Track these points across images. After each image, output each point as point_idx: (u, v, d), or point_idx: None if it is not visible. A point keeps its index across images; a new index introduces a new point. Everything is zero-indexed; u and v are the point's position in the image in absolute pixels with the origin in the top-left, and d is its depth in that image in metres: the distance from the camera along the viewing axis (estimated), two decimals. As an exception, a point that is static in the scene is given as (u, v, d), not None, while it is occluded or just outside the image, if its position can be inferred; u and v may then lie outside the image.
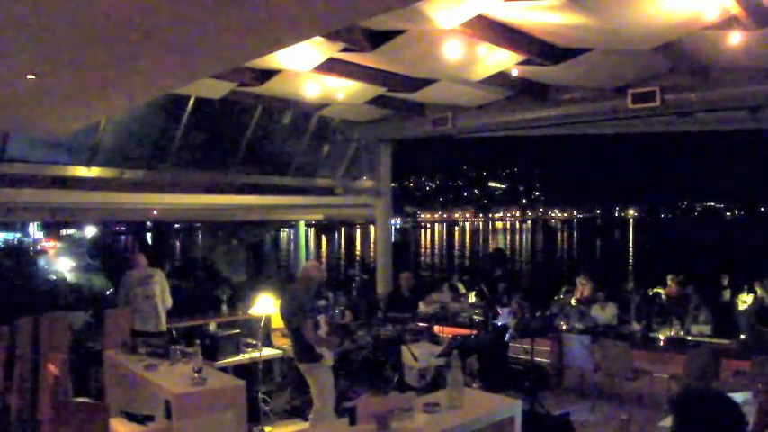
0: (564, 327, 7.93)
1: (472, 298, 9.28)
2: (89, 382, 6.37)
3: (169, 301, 7.10)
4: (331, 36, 5.47)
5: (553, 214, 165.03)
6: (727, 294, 9.54)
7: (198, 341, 5.33)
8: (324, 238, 57.23)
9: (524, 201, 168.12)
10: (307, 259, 15.76)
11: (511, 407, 3.97)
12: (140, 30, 3.19)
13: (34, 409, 5.09)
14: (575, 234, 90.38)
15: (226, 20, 3.13)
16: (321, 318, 5.66)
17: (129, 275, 7.01)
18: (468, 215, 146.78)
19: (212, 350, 5.94)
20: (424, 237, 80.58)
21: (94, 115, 6.13)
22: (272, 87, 7.13)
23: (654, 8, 4.81)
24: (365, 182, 10.31)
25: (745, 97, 6.40)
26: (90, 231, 41.01)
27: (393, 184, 10.80)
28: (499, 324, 7.05)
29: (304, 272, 5.71)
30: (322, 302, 6.28)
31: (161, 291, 6.98)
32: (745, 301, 9.01)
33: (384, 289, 9.72)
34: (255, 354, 6.19)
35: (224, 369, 5.77)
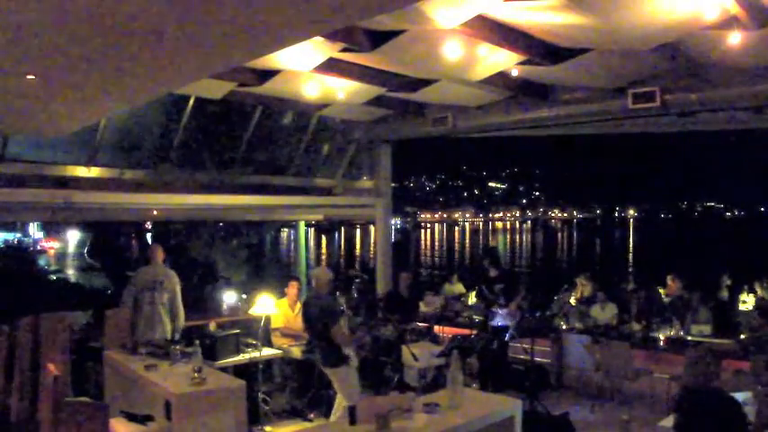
0: (564, 327, 7.93)
1: (472, 298, 9.28)
2: (89, 382, 6.37)
3: (180, 313, 6.78)
4: (331, 36, 5.46)
5: (553, 214, 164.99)
6: (726, 294, 9.53)
7: (198, 341, 5.33)
8: (324, 238, 57.24)
9: (524, 201, 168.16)
10: (307, 259, 15.76)
11: (511, 407, 3.98)
12: (140, 30, 3.19)
13: (34, 409, 5.09)
14: (575, 234, 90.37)
15: (226, 20, 3.13)
16: (342, 319, 5.80)
17: (139, 275, 6.88)
18: (468, 215, 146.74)
19: (212, 350, 5.93)
20: (424, 237, 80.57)
21: (94, 115, 6.12)
22: (272, 87, 7.13)
23: (654, 8, 4.81)
24: (365, 182, 10.31)
25: (745, 97, 6.40)
26: (74, 236, 41.02)
27: (393, 184, 10.79)
28: (494, 325, 7.04)
29: (318, 278, 5.74)
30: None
31: (169, 298, 6.70)
32: (744, 301, 9.01)
33: (384, 289, 9.73)
34: (255, 354, 6.20)
35: (224, 369, 5.77)
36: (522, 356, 7.37)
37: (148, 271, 6.79)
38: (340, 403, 5.59)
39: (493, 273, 7.32)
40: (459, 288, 10.23)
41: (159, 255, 6.87)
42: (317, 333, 5.60)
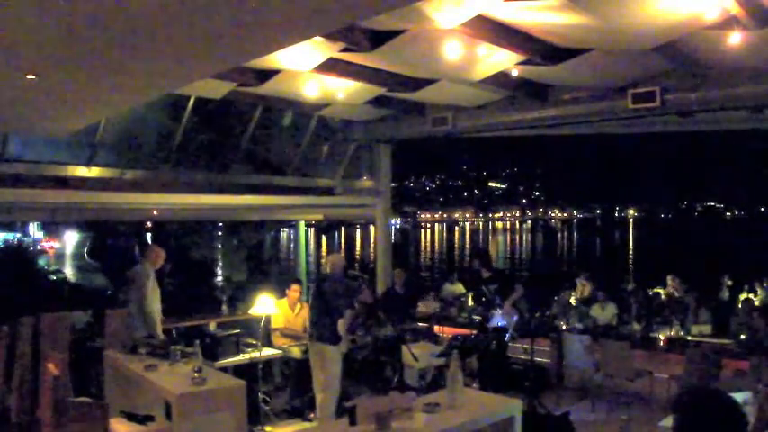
0: (564, 327, 7.93)
1: (470, 301, 9.28)
2: (89, 382, 6.37)
3: (146, 312, 6.41)
4: (331, 36, 5.46)
5: (553, 214, 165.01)
6: (726, 294, 9.55)
7: (198, 341, 5.33)
8: (324, 238, 57.23)
9: (524, 201, 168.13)
10: (307, 259, 15.78)
11: (511, 407, 3.98)
12: (140, 30, 3.19)
13: (34, 409, 5.09)
14: (575, 234, 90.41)
15: (226, 20, 3.13)
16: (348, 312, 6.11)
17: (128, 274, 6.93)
18: (468, 215, 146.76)
19: (212, 350, 5.94)
20: (424, 237, 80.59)
21: (94, 115, 6.13)
22: (272, 87, 7.12)
23: (654, 8, 4.81)
24: (365, 182, 10.31)
25: (745, 97, 6.40)
26: (74, 236, 41.02)
27: (393, 184, 10.79)
28: (493, 326, 7.03)
29: (333, 263, 6.18)
30: None
31: (137, 297, 6.51)
32: (745, 300, 9.02)
33: (384, 289, 9.73)
34: (255, 354, 6.20)
35: (224, 369, 5.78)
36: (522, 356, 7.37)
37: (130, 271, 6.82)
38: (323, 390, 5.74)
39: (485, 274, 7.32)
40: (459, 288, 10.24)
41: (147, 254, 6.86)
42: (323, 309, 5.88)
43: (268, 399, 6.53)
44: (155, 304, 6.60)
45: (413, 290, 9.15)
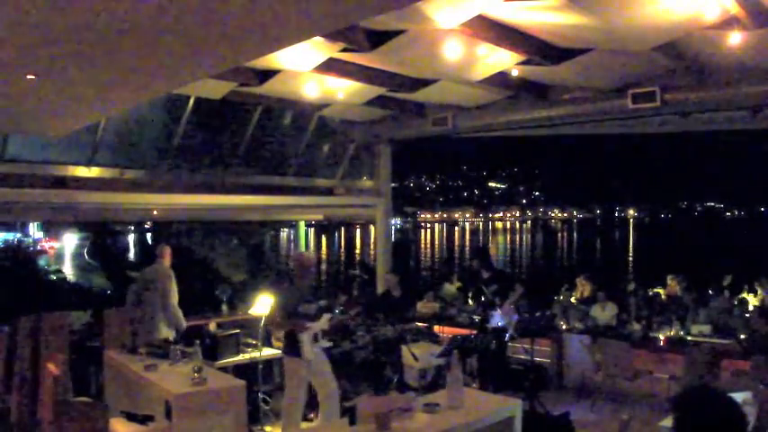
0: (564, 327, 7.93)
1: (470, 301, 9.26)
2: (89, 382, 6.37)
3: (173, 313, 6.46)
4: (331, 36, 5.46)
5: (553, 214, 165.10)
6: (727, 294, 9.54)
7: (198, 341, 5.33)
8: (324, 238, 57.25)
9: (524, 201, 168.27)
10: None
11: (511, 407, 3.98)
12: (140, 30, 3.19)
13: (34, 409, 5.09)
14: (575, 234, 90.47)
15: (226, 20, 3.13)
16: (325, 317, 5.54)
17: (141, 274, 6.88)
18: (468, 215, 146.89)
19: (212, 350, 5.93)
20: (424, 237, 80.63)
21: (94, 115, 6.12)
22: (272, 87, 7.13)
23: (654, 8, 4.81)
24: (365, 182, 10.31)
25: (745, 97, 6.40)
26: (74, 236, 41.09)
27: (393, 184, 10.79)
28: (493, 326, 7.02)
29: (296, 262, 5.83)
30: (323, 302, 6.14)
31: (161, 298, 6.49)
32: (745, 301, 9.01)
33: (384, 289, 9.72)
34: (255, 354, 6.19)
35: (224, 369, 5.77)
36: (522, 356, 7.37)
37: (147, 270, 6.80)
38: (290, 392, 5.41)
39: (485, 274, 7.29)
40: (459, 288, 10.23)
41: (162, 254, 6.83)
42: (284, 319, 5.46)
43: (268, 399, 6.52)
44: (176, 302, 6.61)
45: (409, 292, 9.11)
